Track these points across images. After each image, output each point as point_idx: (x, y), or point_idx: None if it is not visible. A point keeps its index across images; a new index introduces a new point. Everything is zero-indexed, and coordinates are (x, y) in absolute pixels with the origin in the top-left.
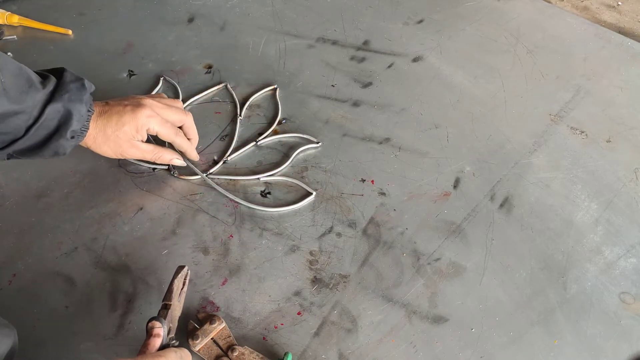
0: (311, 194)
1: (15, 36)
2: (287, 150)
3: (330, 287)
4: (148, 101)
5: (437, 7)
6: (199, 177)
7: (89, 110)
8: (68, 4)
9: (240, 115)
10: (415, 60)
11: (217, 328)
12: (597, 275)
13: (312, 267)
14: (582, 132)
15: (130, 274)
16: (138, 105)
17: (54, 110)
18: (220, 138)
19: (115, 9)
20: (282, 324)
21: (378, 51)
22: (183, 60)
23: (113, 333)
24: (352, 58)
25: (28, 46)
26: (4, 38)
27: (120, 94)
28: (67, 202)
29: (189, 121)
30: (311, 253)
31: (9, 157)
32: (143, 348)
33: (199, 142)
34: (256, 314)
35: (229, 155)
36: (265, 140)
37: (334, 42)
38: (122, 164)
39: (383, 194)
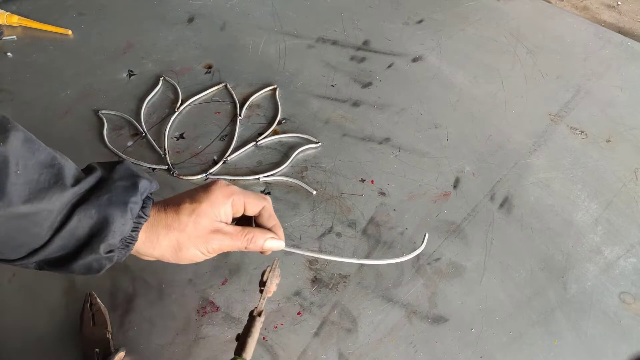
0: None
1: (15, 36)
2: (287, 150)
3: (330, 287)
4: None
5: (437, 7)
6: (199, 177)
7: (140, 217)
8: (68, 4)
9: (240, 115)
10: (415, 60)
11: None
12: (597, 275)
13: (312, 267)
14: (582, 132)
15: (130, 274)
16: (209, 184)
17: (85, 216)
18: (220, 138)
19: (115, 9)
20: (282, 324)
21: (378, 51)
22: (183, 60)
23: (113, 332)
24: (352, 58)
25: (28, 46)
26: (3, 38)
27: (120, 94)
28: None
29: (269, 204)
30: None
31: (39, 267)
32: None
33: (199, 142)
34: None
35: (228, 155)
36: (265, 140)
37: (334, 42)
38: None
39: (383, 194)
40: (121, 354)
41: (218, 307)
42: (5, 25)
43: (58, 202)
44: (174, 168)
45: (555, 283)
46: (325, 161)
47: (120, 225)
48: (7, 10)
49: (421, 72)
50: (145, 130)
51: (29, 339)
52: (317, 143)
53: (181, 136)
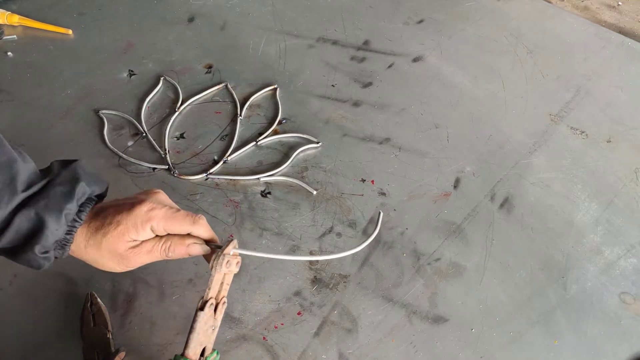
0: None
1: (15, 36)
2: (287, 150)
3: (330, 287)
4: (151, 196)
5: (437, 7)
6: (200, 177)
7: (74, 220)
8: (68, 3)
9: (240, 115)
10: (415, 60)
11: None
12: (597, 276)
13: (312, 267)
14: (582, 132)
15: (130, 274)
16: (137, 201)
17: (26, 218)
18: (220, 138)
19: (116, 9)
20: (282, 324)
21: (378, 51)
22: (183, 60)
23: (113, 333)
24: (353, 58)
25: (28, 46)
26: (4, 38)
27: (121, 94)
28: None
29: (198, 229)
30: (311, 253)
31: None
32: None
33: (200, 142)
34: (256, 314)
35: (229, 155)
36: (266, 140)
37: (334, 42)
38: (122, 164)
39: (383, 194)
40: (121, 354)
41: None
42: (5, 24)
43: (5, 204)
44: (174, 168)
45: (556, 283)
46: (326, 161)
47: (54, 230)
48: (7, 10)
49: (421, 72)
50: (146, 130)
51: (29, 341)
52: (318, 143)
53: (181, 136)
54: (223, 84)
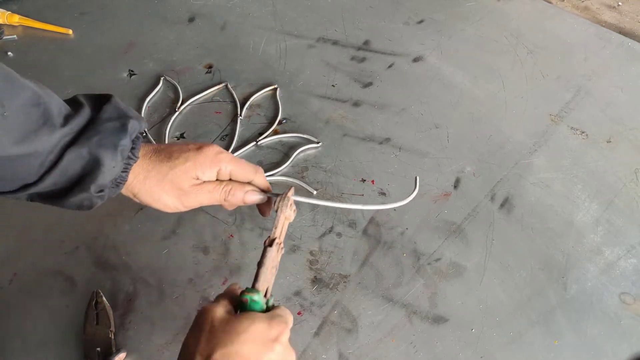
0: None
1: (15, 36)
2: (287, 150)
3: (330, 287)
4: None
5: (437, 7)
6: None
7: (129, 157)
8: (68, 3)
9: (240, 115)
10: (415, 60)
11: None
12: (597, 276)
13: (312, 267)
14: (583, 132)
15: (130, 274)
16: (204, 144)
17: (77, 157)
18: (220, 138)
19: (116, 9)
20: None
21: (378, 51)
22: (183, 60)
23: (115, 332)
24: (353, 58)
25: (28, 46)
26: (4, 37)
27: (121, 94)
28: None
29: (258, 178)
30: (311, 253)
31: (31, 199)
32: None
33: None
34: None
35: None
36: (266, 140)
37: (335, 42)
38: None
39: (383, 194)
40: (122, 355)
41: None
42: (5, 24)
43: (48, 143)
44: None
45: (556, 283)
46: (326, 161)
47: (111, 167)
48: (7, 10)
49: (422, 72)
50: (146, 130)
51: (29, 339)
52: (318, 143)
53: (182, 136)
54: (223, 84)
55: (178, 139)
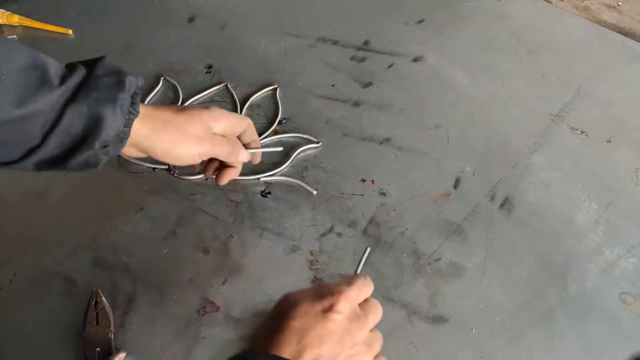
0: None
1: (15, 36)
2: (287, 150)
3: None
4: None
5: (437, 7)
6: (200, 177)
7: (130, 112)
8: (68, 3)
9: None
10: (415, 60)
11: None
12: (597, 276)
13: (312, 267)
14: (583, 132)
15: (130, 274)
16: (208, 105)
17: (77, 114)
18: None
19: (116, 9)
20: None
21: (378, 51)
22: (183, 60)
23: (115, 333)
24: (353, 58)
25: (28, 46)
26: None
27: None
28: (67, 202)
29: (251, 124)
30: (311, 253)
31: (38, 168)
32: None
33: None
34: (256, 314)
35: None
36: (266, 140)
37: (335, 42)
38: (122, 164)
39: (383, 194)
40: (122, 355)
41: (218, 307)
42: (5, 24)
43: (48, 103)
44: (174, 168)
45: (556, 283)
46: (326, 161)
47: (112, 122)
48: (7, 10)
49: (422, 72)
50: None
51: (29, 339)
52: (318, 143)
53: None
54: (223, 84)
55: None
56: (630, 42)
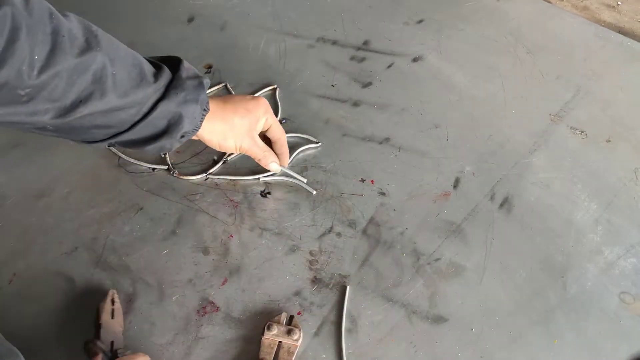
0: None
1: None
2: None
3: (330, 287)
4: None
5: (437, 7)
6: (199, 177)
7: (204, 110)
8: (68, 3)
9: None
10: (415, 60)
11: (289, 341)
12: (597, 275)
13: (312, 267)
14: (582, 132)
15: (130, 274)
16: (257, 97)
17: (166, 110)
18: None
19: (116, 9)
20: None
21: (378, 51)
22: None
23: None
24: (352, 58)
25: None
26: None
27: None
28: (67, 202)
29: (284, 136)
30: (311, 253)
31: (110, 145)
32: None
33: (199, 142)
34: (256, 314)
35: (229, 156)
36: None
37: (334, 42)
38: (122, 164)
39: (383, 194)
40: (128, 352)
41: (218, 307)
42: None
43: (144, 96)
44: (174, 168)
45: (555, 283)
46: (326, 161)
47: (193, 118)
48: None
49: (421, 72)
50: None
51: (27, 340)
52: (317, 143)
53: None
54: (223, 84)
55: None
56: (630, 42)
